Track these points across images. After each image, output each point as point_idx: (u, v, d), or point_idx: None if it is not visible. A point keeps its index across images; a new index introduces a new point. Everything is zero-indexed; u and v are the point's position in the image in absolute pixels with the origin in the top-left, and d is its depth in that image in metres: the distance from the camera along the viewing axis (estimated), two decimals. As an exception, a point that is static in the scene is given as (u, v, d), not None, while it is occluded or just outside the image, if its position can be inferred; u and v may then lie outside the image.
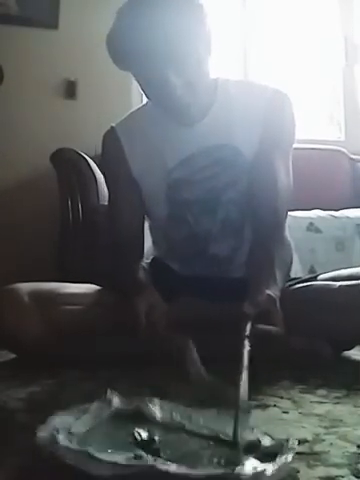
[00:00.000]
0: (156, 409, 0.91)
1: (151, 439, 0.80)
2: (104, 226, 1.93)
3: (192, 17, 1.31)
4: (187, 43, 1.29)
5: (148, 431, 0.82)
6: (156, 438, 0.80)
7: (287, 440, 0.79)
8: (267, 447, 0.80)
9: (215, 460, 0.75)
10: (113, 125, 1.54)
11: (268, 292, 1.15)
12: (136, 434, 0.80)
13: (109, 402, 0.91)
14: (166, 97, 1.33)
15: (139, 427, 0.82)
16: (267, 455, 0.77)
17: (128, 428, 0.82)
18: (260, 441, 0.81)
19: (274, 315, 1.12)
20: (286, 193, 1.41)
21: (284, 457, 0.74)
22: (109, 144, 1.54)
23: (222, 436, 0.83)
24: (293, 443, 0.78)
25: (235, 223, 1.47)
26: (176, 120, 1.44)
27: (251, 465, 0.73)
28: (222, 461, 0.75)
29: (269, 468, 0.71)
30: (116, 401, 0.91)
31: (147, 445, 0.77)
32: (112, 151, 1.54)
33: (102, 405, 0.89)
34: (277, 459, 0.73)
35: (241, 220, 1.47)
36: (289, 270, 1.49)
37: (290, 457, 0.75)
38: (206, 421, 0.87)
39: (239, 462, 0.73)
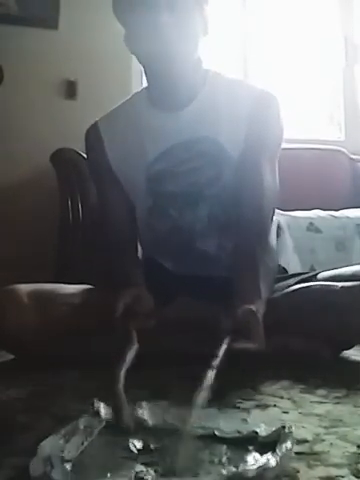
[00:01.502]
0: (146, 414, 0.89)
1: (147, 448, 0.78)
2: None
3: None
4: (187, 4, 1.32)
5: (142, 440, 0.80)
6: (152, 446, 0.79)
7: (283, 427, 0.79)
8: (265, 437, 0.80)
9: (216, 460, 0.75)
10: (96, 120, 1.54)
11: (248, 306, 1.14)
12: (131, 446, 0.79)
13: (97, 413, 0.88)
14: (153, 34, 1.30)
15: (132, 437, 0.81)
16: (266, 445, 0.77)
17: (122, 441, 0.80)
18: (257, 432, 0.81)
19: (254, 330, 1.12)
20: (272, 194, 1.39)
21: (284, 446, 0.74)
22: (90, 139, 1.54)
23: (218, 433, 0.83)
24: (289, 428, 0.79)
25: (220, 219, 1.45)
26: (161, 101, 1.42)
27: (253, 460, 0.73)
28: (223, 460, 0.75)
29: (272, 460, 0.71)
30: (104, 411, 0.89)
31: (144, 455, 0.76)
32: (93, 147, 1.53)
33: (90, 419, 0.86)
34: (277, 448, 0.73)
35: (226, 217, 1.44)
36: (274, 277, 1.46)
37: (290, 443, 0.75)
38: (199, 420, 0.86)
39: (240, 459, 0.73)
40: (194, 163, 1.43)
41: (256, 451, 0.77)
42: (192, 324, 1.37)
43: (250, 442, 0.80)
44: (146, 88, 1.49)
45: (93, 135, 1.53)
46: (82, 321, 1.39)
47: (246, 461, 0.74)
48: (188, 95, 1.41)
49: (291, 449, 0.76)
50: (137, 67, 2.92)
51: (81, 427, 0.83)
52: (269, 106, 1.44)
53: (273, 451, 0.73)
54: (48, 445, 0.76)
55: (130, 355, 1.06)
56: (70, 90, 2.84)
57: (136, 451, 0.78)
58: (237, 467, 0.70)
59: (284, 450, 0.73)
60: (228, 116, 1.41)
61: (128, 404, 0.90)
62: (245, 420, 0.85)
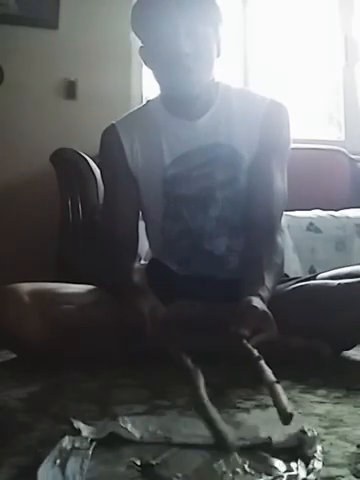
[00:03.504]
0: (130, 428, 0.86)
1: (148, 464, 0.75)
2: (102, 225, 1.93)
3: (214, 14, 1.42)
4: (203, 20, 1.38)
5: (138, 456, 0.77)
6: (152, 462, 0.76)
7: (303, 431, 0.79)
8: (280, 443, 0.79)
9: (239, 471, 0.73)
10: (114, 122, 1.56)
11: (257, 305, 1.18)
12: (132, 463, 0.75)
13: (79, 432, 0.84)
14: (174, 59, 1.36)
15: (126, 454, 0.77)
16: (281, 451, 0.77)
17: (118, 460, 0.77)
18: (270, 438, 0.81)
19: (262, 319, 1.16)
20: (281, 198, 1.48)
21: (317, 449, 0.75)
22: (109, 141, 1.56)
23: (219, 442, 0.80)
24: (312, 431, 0.79)
25: (231, 222, 1.50)
26: (177, 112, 1.47)
27: (285, 467, 0.73)
28: (247, 469, 0.73)
29: (317, 463, 0.72)
30: (86, 430, 0.84)
31: (151, 473, 0.73)
32: (111, 147, 1.55)
33: (75, 439, 0.81)
34: (310, 453, 0.74)
35: (237, 220, 1.49)
36: (280, 274, 1.48)
37: (320, 447, 0.75)
38: (187, 428, 0.85)
39: (266, 467, 0.72)
40: (209, 168, 1.48)
41: (273, 457, 0.76)
42: (193, 324, 1.37)
43: (261, 448, 0.79)
44: (161, 96, 1.53)
45: (111, 135, 1.55)
46: (82, 321, 1.39)
47: (275, 468, 0.73)
48: (203, 107, 1.48)
49: (321, 453, 0.76)
50: (137, 67, 2.93)
51: (68, 448, 0.78)
52: (280, 115, 1.51)
53: (302, 457, 0.73)
54: (47, 474, 0.71)
55: (200, 377, 1.01)
56: (70, 90, 2.84)
57: (139, 468, 0.75)
58: (279, 476, 0.70)
59: (319, 454, 0.74)
60: (241, 124, 1.47)
61: (220, 420, 0.85)
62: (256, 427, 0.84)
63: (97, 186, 2.30)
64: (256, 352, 1.04)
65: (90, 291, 1.51)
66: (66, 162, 2.41)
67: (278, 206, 1.47)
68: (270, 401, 1.08)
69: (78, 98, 2.85)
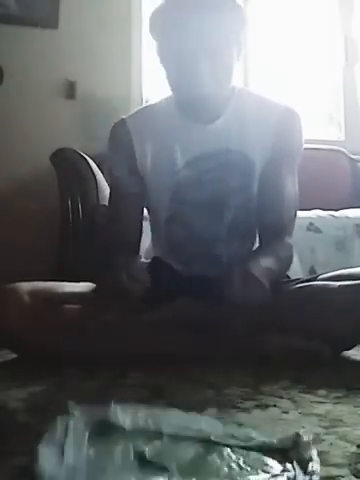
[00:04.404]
0: (120, 417, 0.84)
1: (142, 455, 0.75)
2: (103, 224, 1.94)
3: (235, 18, 1.40)
4: (225, 35, 1.36)
5: (131, 445, 0.76)
6: (146, 453, 0.75)
7: (298, 434, 0.79)
8: (274, 444, 0.80)
9: (234, 466, 0.73)
10: (124, 117, 1.54)
11: (254, 273, 1.23)
12: (128, 452, 0.74)
13: (73, 416, 0.83)
14: (191, 81, 1.35)
15: (118, 443, 0.77)
16: (275, 452, 0.77)
17: (112, 448, 0.76)
18: (265, 441, 0.81)
19: (254, 284, 1.21)
20: (293, 204, 1.50)
21: (313, 453, 0.75)
22: (118, 135, 1.54)
23: (213, 438, 0.80)
24: (307, 438, 0.79)
25: (241, 228, 1.50)
26: (191, 115, 1.46)
27: (279, 466, 0.73)
28: (242, 465, 0.74)
29: (315, 465, 0.72)
30: (79, 413, 0.84)
31: (145, 461, 0.73)
32: (120, 143, 1.53)
33: (68, 420, 0.81)
34: (309, 456, 0.74)
35: (247, 226, 1.51)
36: (287, 269, 1.51)
37: (315, 451, 0.75)
38: (177, 420, 0.84)
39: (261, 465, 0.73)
40: (220, 173, 1.48)
41: (267, 457, 0.77)
42: (192, 325, 1.37)
43: (253, 449, 0.79)
44: (174, 97, 1.50)
45: (121, 130, 1.53)
46: (82, 320, 1.39)
47: (271, 467, 0.73)
48: (217, 112, 1.47)
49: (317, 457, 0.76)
50: (137, 67, 2.93)
51: (63, 429, 0.78)
52: (293, 122, 1.51)
53: (298, 459, 0.74)
54: (47, 456, 0.72)
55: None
56: (70, 90, 2.84)
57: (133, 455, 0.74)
58: (277, 475, 0.70)
59: (316, 458, 0.74)
60: (255, 130, 1.46)
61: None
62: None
63: (97, 186, 2.30)
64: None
65: (89, 290, 1.51)
66: (66, 162, 2.41)
67: (290, 211, 1.49)
68: (270, 401, 1.09)
69: (78, 98, 2.84)
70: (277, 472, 0.72)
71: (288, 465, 0.74)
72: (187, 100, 1.42)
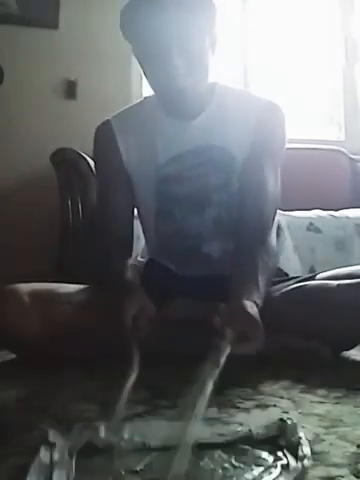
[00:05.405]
0: (105, 435, 0.82)
1: (132, 471, 0.73)
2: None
3: (205, 11, 1.37)
4: (196, 29, 1.34)
5: (120, 462, 0.74)
6: (137, 468, 0.74)
7: (282, 420, 0.79)
8: (261, 434, 0.80)
9: (228, 466, 0.73)
10: (108, 118, 1.55)
11: (244, 304, 1.16)
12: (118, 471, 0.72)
13: (54, 445, 0.79)
14: (167, 77, 1.34)
15: (107, 465, 0.74)
16: (263, 442, 0.77)
17: (102, 471, 0.74)
18: (251, 430, 0.81)
19: (251, 330, 1.12)
20: (274, 199, 1.45)
21: (301, 436, 0.75)
22: (103, 136, 1.54)
23: (202, 441, 0.79)
24: (291, 420, 0.79)
25: (225, 223, 1.48)
26: (172, 112, 1.46)
27: (273, 457, 0.73)
28: (236, 464, 0.73)
29: (305, 448, 0.72)
30: (61, 441, 0.80)
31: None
32: (105, 143, 1.54)
33: (51, 451, 0.77)
34: (296, 440, 0.74)
35: (231, 222, 1.47)
36: (272, 275, 1.44)
37: (302, 434, 0.75)
38: (162, 431, 0.83)
39: (255, 459, 0.73)
40: (202, 169, 1.47)
41: (257, 449, 0.77)
42: (191, 325, 1.37)
43: (242, 442, 0.79)
44: (156, 96, 1.50)
45: (105, 130, 1.54)
46: (82, 321, 1.39)
47: (263, 459, 0.73)
48: (198, 109, 1.46)
49: (306, 439, 0.76)
50: (137, 67, 2.92)
51: (47, 462, 0.75)
52: (275, 116, 1.49)
53: (287, 445, 0.73)
54: None
55: (130, 381, 1.02)
56: (70, 90, 2.84)
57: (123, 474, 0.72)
58: (271, 467, 0.70)
59: (304, 440, 0.75)
60: (236, 126, 1.45)
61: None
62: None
63: (97, 186, 2.30)
64: (222, 361, 1.00)
65: (90, 291, 1.51)
66: (66, 162, 2.41)
67: (270, 207, 1.44)
68: (270, 401, 1.09)
69: (78, 98, 2.85)
70: (270, 463, 0.72)
71: (279, 453, 0.74)
72: (166, 97, 1.42)
